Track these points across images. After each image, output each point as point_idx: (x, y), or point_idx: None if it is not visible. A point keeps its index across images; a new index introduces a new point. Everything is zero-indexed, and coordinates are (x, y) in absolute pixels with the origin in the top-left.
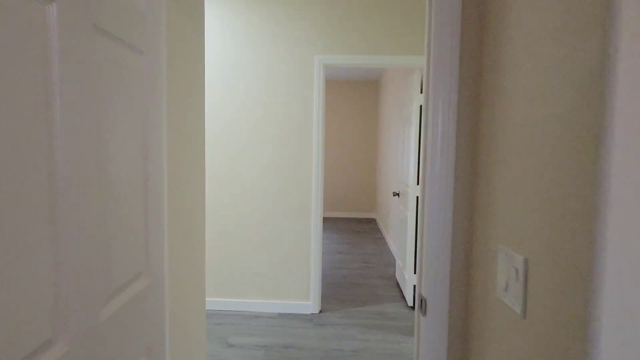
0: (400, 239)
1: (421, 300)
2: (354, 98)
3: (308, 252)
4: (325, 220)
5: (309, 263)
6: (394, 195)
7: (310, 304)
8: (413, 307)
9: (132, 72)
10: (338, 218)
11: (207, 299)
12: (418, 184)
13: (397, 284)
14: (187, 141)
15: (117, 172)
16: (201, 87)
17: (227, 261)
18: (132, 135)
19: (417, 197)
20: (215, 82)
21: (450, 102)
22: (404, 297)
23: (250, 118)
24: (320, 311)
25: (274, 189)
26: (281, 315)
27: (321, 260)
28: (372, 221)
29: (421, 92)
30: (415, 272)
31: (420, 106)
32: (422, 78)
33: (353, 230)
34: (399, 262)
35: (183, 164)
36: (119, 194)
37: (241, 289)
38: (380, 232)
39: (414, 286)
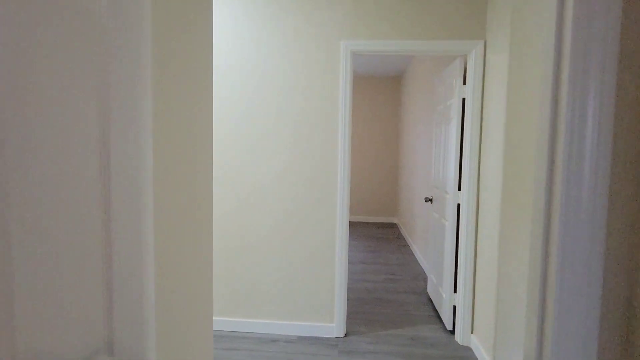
0: (432, 250)
1: None
2: (374, 95)
3: (332, 266)
4: None
5: (332, 279)
6: (426, 201)
7: (334, 327)
8: (452, 332)
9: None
10: (357, 222)
11: (215, 318)
12: (460, 189)
13: (430, 300)
14: (190, 135)
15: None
16: (207, 73)
17: (238, 276)
18: (74, 106)
19: (459, 204)
20: (225, 72)
21: (603, 87)
22: (441, 319)
23: (265, 114)
24: (346, 334)
25: (292, 194)
26: (301, 339)
27: (347, 275)
28: (393, 226)
29: (464, 83)
30: (455, 291)
31: (464, 99)
32: (465, 66)
33: (374, 236)
34: (431, 277)
35: (184, 161)
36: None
37: (255, 308)
38: (404, 239)
39: (454, 307)
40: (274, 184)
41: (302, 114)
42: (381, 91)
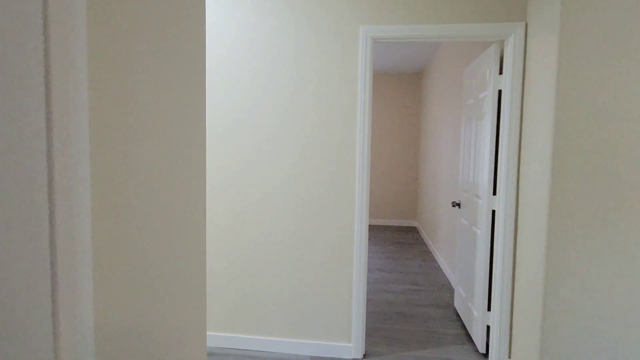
0: (461, 260)
1: None
2: (392, 93)
3: (349, 277)
4: None
5: (349, 291)
6: (453, 206)
7: (351, 347)
8: (485, 355)
9: None
10: (375, 226)
11: (219, 334)
12: (495, 194)
13: (458, 315)
14: (175, 128)
15: None
16: (198, 53)
17: (244, 288)
18: None
19: (493, 210)
20: (226, 63)
21: None
22: (471, 338)
23: (274, 110)
24: (365, 355)
25: (304, 198)
26: None
27: (366, 288)
28: (413, 230)
29: (500, 73)
30: (489, 309)
31: (500, 91)
32: (502, 53)
33: (393, 240)
34: (459, 290)
35: (166, 160)
36: None
37: (262, 324)
38: (425, 244)
39: (487, 327)
40: (284, 187)
41: (315, 111)
42: (400, 89)
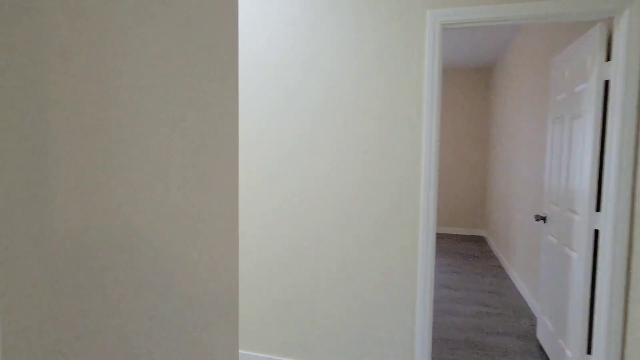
0: (547, 285)
1: None
2: (456, 91)
3: (412, 297)
4: None
5: (412, 314)
6: (537, 220)
7: None
8: None
9: None
10: (437, 234)
11: (264, 355)
12: (598, 209)
13: (541, 349)
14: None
15: None
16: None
17: (289, 305)
18: None
19: (596, 230)
20: (264, 51)
21: None
22: None
23: (331, 116)
24: None
25: (360, 209)
26: None
27: (432, 313)
28: (481, 240)
29: (608, 59)
30: (589, 351)
31: (606, 82)
32: (610, 35)
33: (459, 252)
34: (545, 321)
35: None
36: None
37: (309, 346)
38: (495, 257)
39: None
40: (331, 189)
41: (376, 110)
42: (466, 85)
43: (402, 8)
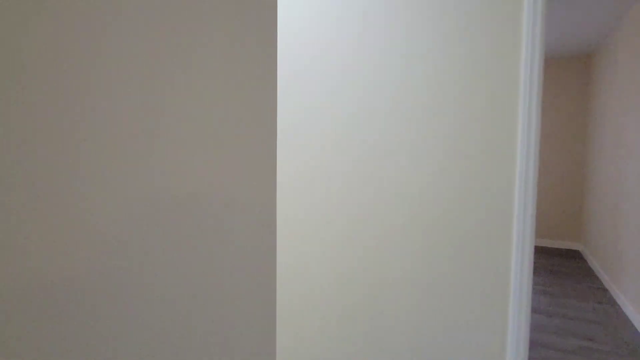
0: None
1: None
2: (548, 82)
3: (502, 328)
4: None
5: (502, 349)
6: None
7: None
8: None
9: None
10: None
11: None
12: None
13: None
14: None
15: None
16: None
17: (355, 322)
18: None
19: None
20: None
21: None
22: None
23: (412, 100)
24: None
25: (441, 208)
26: None
27: (527, 348)
28: (576, 255)
29: None
30: None
31: None
32: None
33: (549, 268)
34: None
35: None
36: None
37: None
38: (596, 277)
39: None
40: (410, 211)
41: (458, 106)
42: (559, 76)
43: None
